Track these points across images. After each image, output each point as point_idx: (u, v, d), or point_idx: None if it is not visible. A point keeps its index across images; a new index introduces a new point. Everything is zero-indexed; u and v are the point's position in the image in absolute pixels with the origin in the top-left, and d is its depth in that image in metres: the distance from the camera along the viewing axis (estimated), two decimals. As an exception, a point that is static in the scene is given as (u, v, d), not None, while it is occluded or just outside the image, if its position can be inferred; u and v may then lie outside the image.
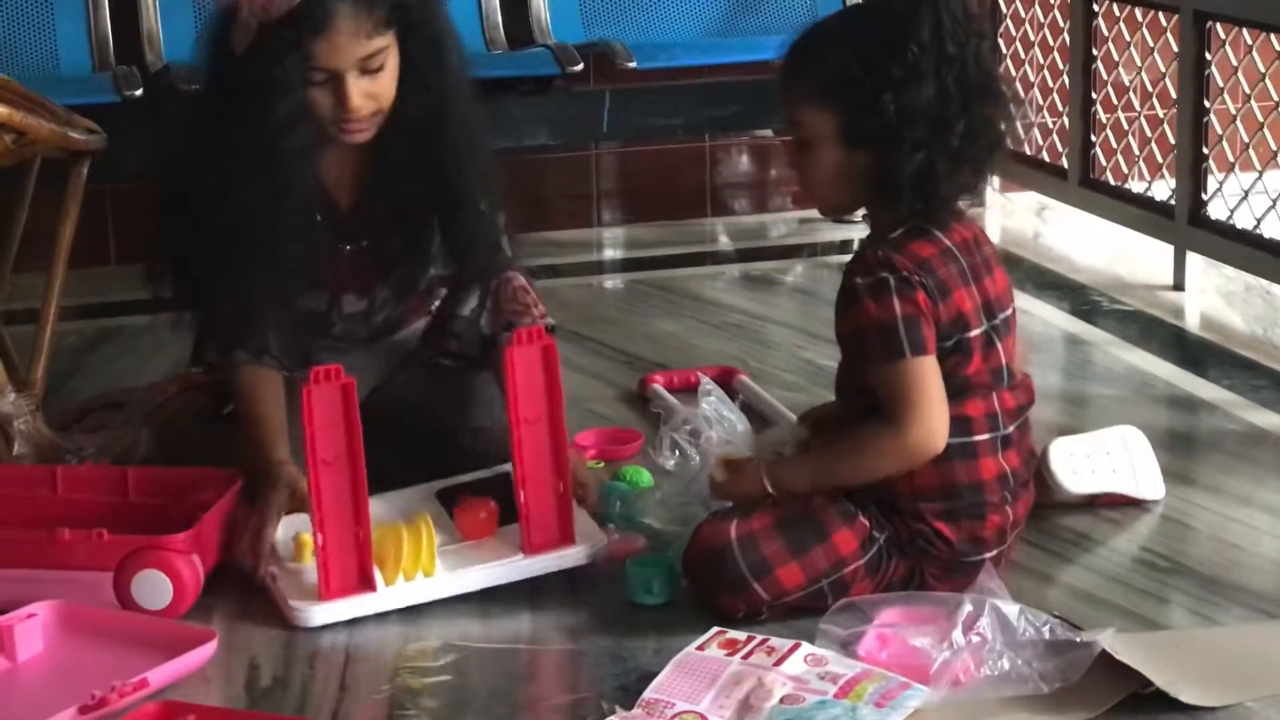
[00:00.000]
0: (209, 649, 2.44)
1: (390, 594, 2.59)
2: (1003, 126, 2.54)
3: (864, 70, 2.46)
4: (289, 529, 2.69)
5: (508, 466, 2.71)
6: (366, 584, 2.58)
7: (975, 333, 2.51)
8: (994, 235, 4.66)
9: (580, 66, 4.29)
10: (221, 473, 2.78)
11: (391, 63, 2.80)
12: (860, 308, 2.49)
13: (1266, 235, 3.95)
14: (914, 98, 2.44)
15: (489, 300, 3.01)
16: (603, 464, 3.16)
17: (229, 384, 2.89)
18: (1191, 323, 4.00)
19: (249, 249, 2.80)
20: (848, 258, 4.47)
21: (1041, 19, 4.74)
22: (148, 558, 2.57)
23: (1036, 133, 4.80)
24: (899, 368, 2.46)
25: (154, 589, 2.57)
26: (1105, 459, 2.89)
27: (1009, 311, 2.59)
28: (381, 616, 2.58)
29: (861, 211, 2.60)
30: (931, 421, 2.46)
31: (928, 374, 2.46)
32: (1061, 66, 4.67)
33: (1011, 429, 2.56)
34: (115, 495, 2.81)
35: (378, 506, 2.65)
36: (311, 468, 2.53)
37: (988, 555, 2.52)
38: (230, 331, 2.87)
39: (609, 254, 4.79)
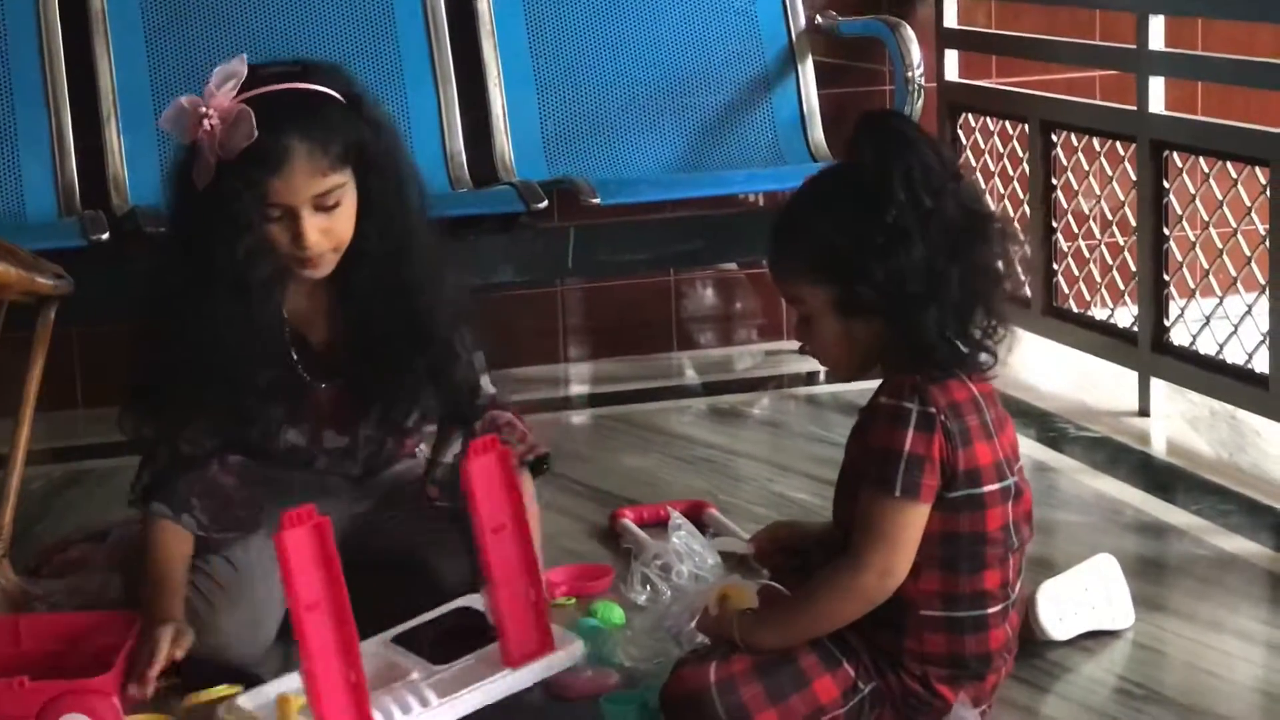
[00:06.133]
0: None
1: None
2: (1000, 264, 2.50)
3: (847, 240, 2.43)
4: (262, 695, 2.63)
5: (463, 600, 2.70)
6: None
7: (991, 489, 2.46)
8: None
9: (545, 204, 4.31)
10: (122, 615, 2.80)
11: (349, 199, 2.81)
12: (873, 428, 2.45)
13: (1229, 360, 3.98)
14: (904, 259, 2.40)
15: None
16: (574, 601, 3.14)
17: (140, 528, 2.87)
18: (1158, 448, 4.01)
19: (203, 388, 2.81)
20: (815, 389, 4.52)
21: (1001, 149, 4.79)
22: (70, 702, 2.55)
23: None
24: (881, 502, 2.41)
25: (78, 733, 2.56)
26: (1085, 595, 2.89)
27: (1019, 466, 2.54)
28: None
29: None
30: (889, 564, 2.41)
31: (908, 519, 2.41)
32: (1022, 196, 4.71)
33: (1016, 591, 2.54)
34: (9, 645, 2.80)
35: None
36: (295, 615, 2.44)
37: (980, 709, 2.50)
38: (157, 479, 2.87)
39: (576, 389, 4.79)
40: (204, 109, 2.72)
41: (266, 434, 2.92)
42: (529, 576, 2.63)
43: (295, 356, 2.92)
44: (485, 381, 3.01)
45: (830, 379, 4.45)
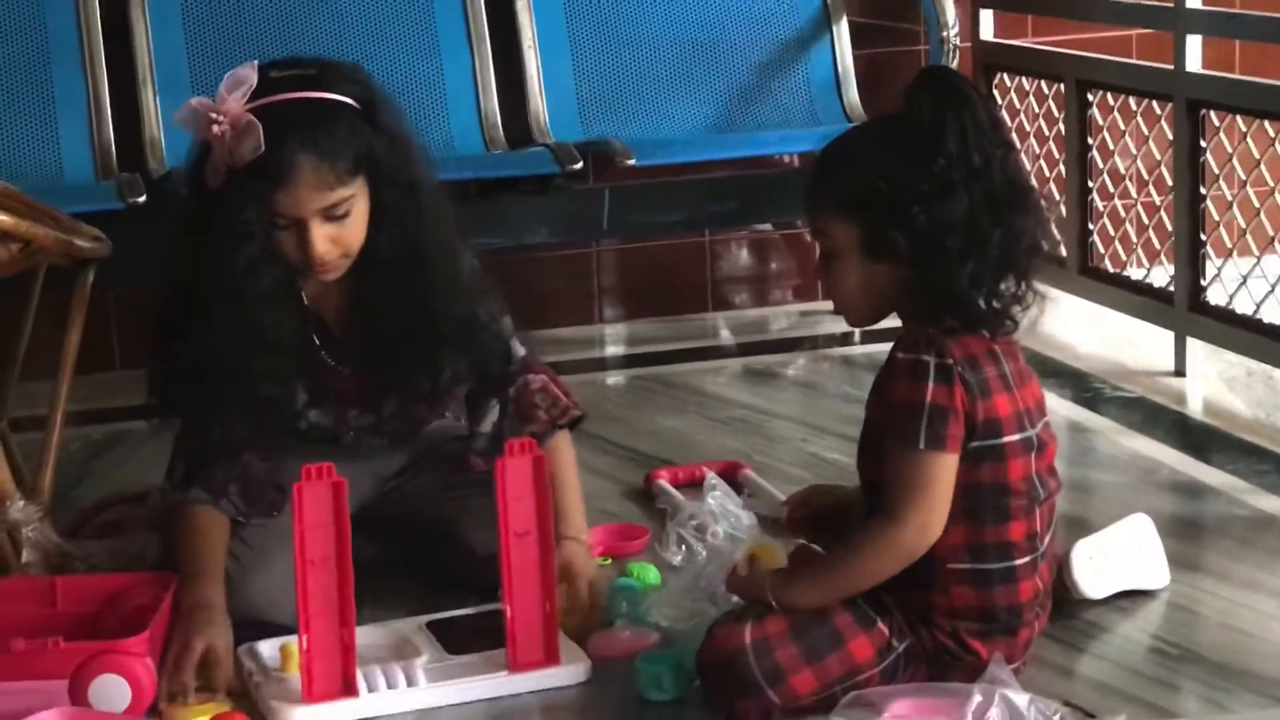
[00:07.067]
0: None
1: (372, 700, 2.57)
2: (1038, 234, 2.51)
3: (888, 183, 2.44)
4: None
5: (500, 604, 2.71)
6: (349, 689, 2.56)
7: (1011, 439, 2.48)
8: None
9: (580, 165, 4.31)
10: (158, 576, 2.81)
11: (360, 208, 2.78)
12: (892, 383, 2.46)
13: (1266, 320, 3.97)
14: (947, 210, 2.42)
15: (510, 408, 3.00)
16: (610, 561, 3.15)
17: (176, 515, 2.86)
18: (1194, 408, 4.01)
19: (223, 386, 2.81)
20: (850, 350, 4.52)
21: (1036, 109, 4.77)
22: (105, 662, 2.57)
23: (1034, 222, 4.81)
24: (910, 456, 2.43)
25: (112, 693, 2.57)
26: (1120, 555, 2.89)
27: (1045, 420, 2.57)
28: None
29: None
30: (925, 517, 2.42)
31: (938, 470, 2.42)
32: (1058, 156, 4.70)
33: (1045, 543, 2.55)
34: (45, 606, 2.82)
35: (368, 635, 2.68)
36: (299, 567, 2.53)
37: (1013, 666, 2.50)
38: (194, 466, 2.87)
39: (611, 350, 4.80)
40: (214, 114, 2.70)
41: (291, 416, 2.93)
42: (544, 587, 2.65)
43: (317, 341, 2.92)
44: (515, 345, 3.01)
45: (861, 336, 4.46)
